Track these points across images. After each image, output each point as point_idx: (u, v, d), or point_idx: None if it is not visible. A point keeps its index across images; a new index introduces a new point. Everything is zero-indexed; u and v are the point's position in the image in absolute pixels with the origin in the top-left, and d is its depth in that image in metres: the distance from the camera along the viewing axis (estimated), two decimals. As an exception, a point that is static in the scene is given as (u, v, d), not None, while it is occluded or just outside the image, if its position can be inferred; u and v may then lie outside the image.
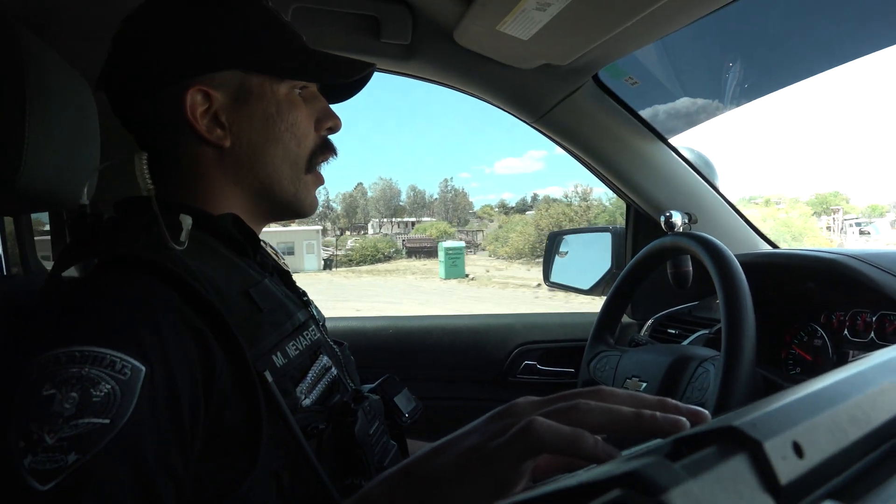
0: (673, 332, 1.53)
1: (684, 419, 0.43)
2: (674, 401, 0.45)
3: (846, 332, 1.16)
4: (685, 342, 1.37)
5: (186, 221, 0.69)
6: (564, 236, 1.98)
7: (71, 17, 1.08)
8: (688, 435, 0.26)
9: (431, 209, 68.05)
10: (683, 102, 1.76)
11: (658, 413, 0.43)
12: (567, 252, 1.93)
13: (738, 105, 1.78)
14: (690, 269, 1.34)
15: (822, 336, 1.21)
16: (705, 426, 0.26)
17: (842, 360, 1.16)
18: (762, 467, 0.23)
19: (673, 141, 1.61)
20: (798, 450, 0.25)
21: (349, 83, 0.89)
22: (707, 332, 1.36)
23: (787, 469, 0.24)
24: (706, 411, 0.44)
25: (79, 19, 1.09)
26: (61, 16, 1.07)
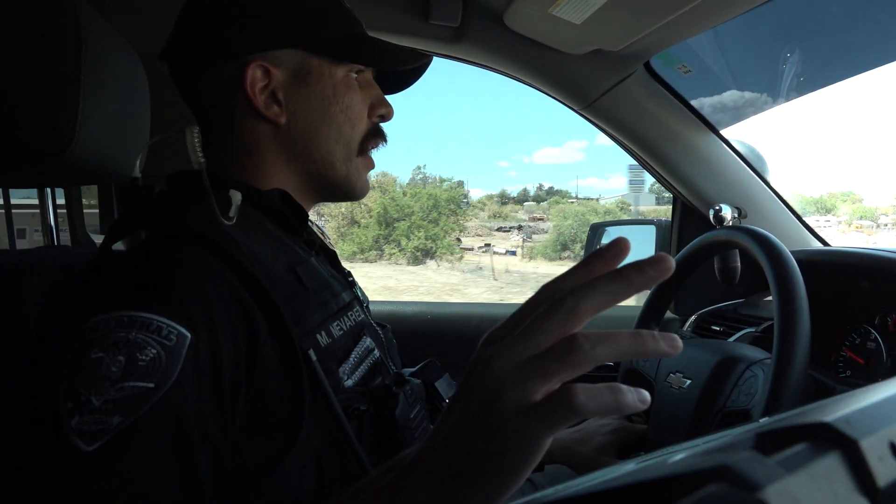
0: (717, 329, 1.49)
1: (679, 341, 0.40)
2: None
3: (903, 335, 1.11)
4: (731, 339, 1.34)
5: (236, 197, 0.70)
6: (607, 228, 1.96)
7: None
8: (774, 429, 0.24)
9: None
10: (735, 94, 1.71)
11: (655, 334, 0.40)
12: (609, 244, 1.90)
13: (791, 98, 1.73)
14: (739, 265, 1.30)
15: (876, 338, 1.17)
16: (795, 421, 0.24)
17: (896, 365, 1.12)
18: (858, 468, 0.22)
19: (724, 133, 1.56)
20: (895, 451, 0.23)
21: (404, 75, 0.90)
22: (754, 330, 1.32)
23: (885, 471, 0.22)
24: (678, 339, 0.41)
25: None
26: None
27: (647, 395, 0.39)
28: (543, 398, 0.39)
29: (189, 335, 0.56)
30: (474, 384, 0.41)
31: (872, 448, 0.22)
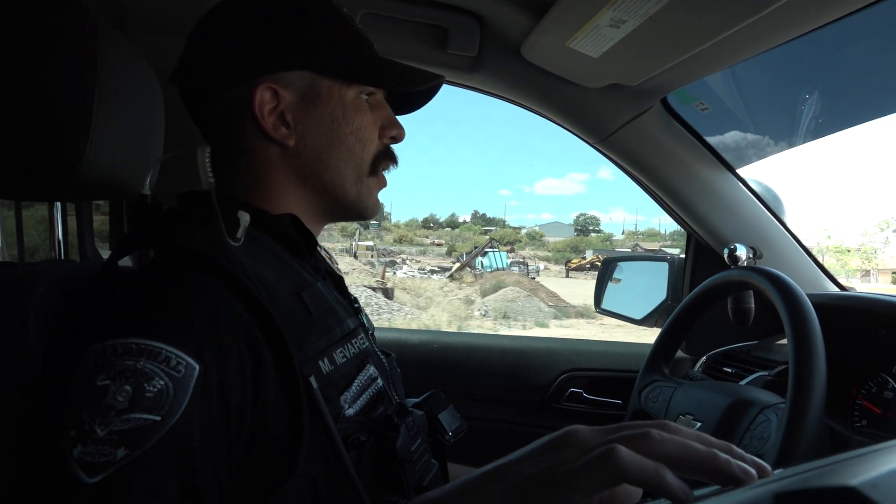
0: (729, 370, 1.46)
1: (754, 471, 0.40)
2: (739, 448, 0.44)
3: (922, 385, 1.08)
4: (743, 382, 1.30)
5: (244, 218, 0.69)
6: (619, 263, 1.93)
7: (148, 12, 1.10)
8: (795, 491, 0.22)
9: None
10: (752, 133, 1.70)
11: (732, 459, 0.41)
12: (621, 279, 1.88)
13: (810, 139, 1.71)
14: (753, 306, 1.27)
15: (894, 388, 1.13)
16: (816, 482, 0.22)
17: (915, 416, 1.08)
18: None
19: (741, 172, 1.55)
20: None
21: (416, 94, 0.89)
22: (767, 373, 1.29)
23: None
24: (769, 466, 0.42)
25: (156, 15, 1.11)
26: (139, 11, 1.10)
27: (691, 493, 0.40)
28: (590, 457, 0.42)
29: (198, 366, 0.55)
30: (550, 439, 0.48)
31: None
